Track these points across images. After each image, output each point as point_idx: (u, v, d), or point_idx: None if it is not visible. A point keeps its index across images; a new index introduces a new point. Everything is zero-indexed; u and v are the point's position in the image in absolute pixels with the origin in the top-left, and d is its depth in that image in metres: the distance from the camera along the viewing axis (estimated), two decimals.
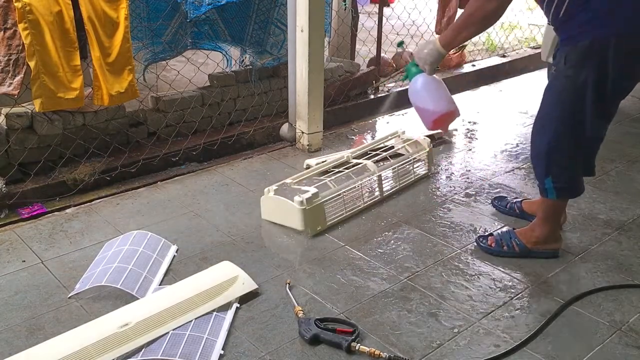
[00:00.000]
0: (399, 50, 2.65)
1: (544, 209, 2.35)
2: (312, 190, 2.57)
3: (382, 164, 3.01)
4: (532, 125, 2.29)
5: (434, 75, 2.38)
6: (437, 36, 2.29)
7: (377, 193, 2.86)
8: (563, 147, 2.17)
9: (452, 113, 2.39)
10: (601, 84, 2.00)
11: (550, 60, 2.43)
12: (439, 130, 3.30)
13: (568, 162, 2.21)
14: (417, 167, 3.09)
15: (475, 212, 2.77)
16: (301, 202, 2.50)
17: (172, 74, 3.55)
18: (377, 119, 4.09)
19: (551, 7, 2.02)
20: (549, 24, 2.13)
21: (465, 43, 5.12)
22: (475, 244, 2.46)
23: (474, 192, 2.97)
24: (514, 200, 2.74)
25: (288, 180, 2.73)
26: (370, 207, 2.80)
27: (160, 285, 2.19)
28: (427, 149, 3.12)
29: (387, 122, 4.02)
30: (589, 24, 1.94)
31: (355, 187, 2.77)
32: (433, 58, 2.27)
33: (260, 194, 2.67)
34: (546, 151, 2.19)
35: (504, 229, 2.47)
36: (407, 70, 2.41)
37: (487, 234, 2.47)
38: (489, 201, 2.85)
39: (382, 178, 2.88)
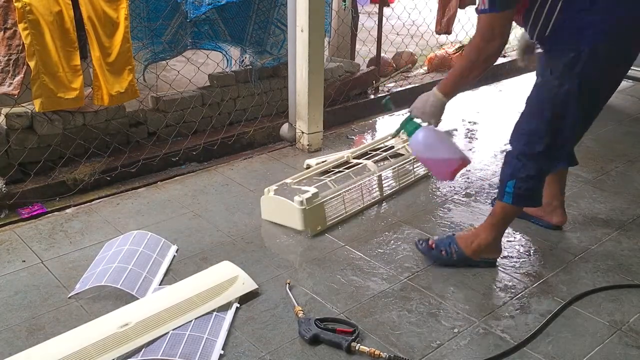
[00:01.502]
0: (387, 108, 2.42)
1: (495, 214, 2.28)
2: (312, 190, 2.57)
3: (382, 164, 3.01)
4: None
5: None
6: (434, 88, 2.14)
7: (377, 193, 2.86)
8: (536, 157, 2.14)
9: (466, 161, 2.23)
10: (586, 92, 2.01)
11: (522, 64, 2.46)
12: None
13: (536, 172, 2.17)
14: (417, 167, 3.09)
15: (475, 212, 2.77)
16: (301, 202, 2.50)
17: (172, 74, 3.55)
18: (377, 118, 4.09)
19: (536, 28, 2.02)
20: (530, 39, 2.13)
21: (466, 43, 5.15)
22: (415, 245, 2.41)
23: (474, 192, 2.97)
24: None
25: (288, 180, 2.73)
26: (370, 207, 2.80)
27: (160, 285, 2.19)
28: None
29: (383, 121, 4.03)
30: (573, 37, 1.96)
31: (355, 187, 2.77)
32: (438, 110, 2.15)
33: (260, 194, 2.67)
34: (517, 155, 2.16)
35: (445, 236, 2.40)
36: (403, 127, 2.24)
37: (427, 238, 2.42)
38: (489, 201, 2.85)
39: (382, 178, 2.89)
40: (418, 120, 2.22)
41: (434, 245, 2.35)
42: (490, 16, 1.95)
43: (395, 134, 2.31)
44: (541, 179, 2.22)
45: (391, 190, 2.93)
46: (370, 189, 2.85)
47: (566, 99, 2.02)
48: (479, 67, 2.06)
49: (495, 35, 1.97)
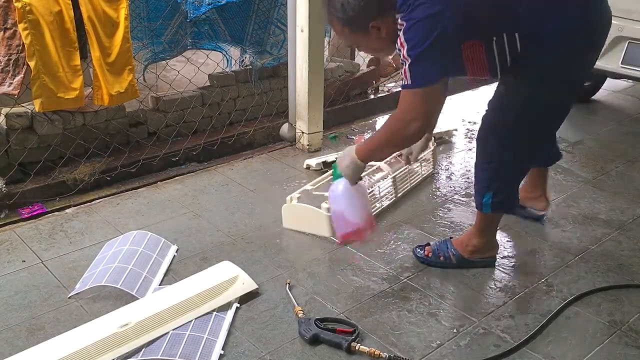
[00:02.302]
0: None
1: (480, 221, 2.28)
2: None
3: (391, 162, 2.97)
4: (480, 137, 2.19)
5: (359, 183, 2.14)
6: (354, 149, 2.01)
7: (392, 194, 2.83)
8: (513, 164, 2.12)
9: (367, 226, 2.12)
10: (558, 95, 1.98)
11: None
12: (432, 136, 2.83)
13: (512, 179, 2.18)
14: (424, 166, 3.08)
15: (475, 212, 2.76)
16: (328, 209, 2.45)
17: (172, 74, 3.55)
18: (377, 118, 4.09)
19: (497, 68, 1.92)
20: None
21: None
22: (413, 253, 2.40)
23: (473, 192, 2.96)
24: None
25: (309, 187, 2.68)
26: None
27: (160, 285, 2.19)
28: (432, 148, 3.11)
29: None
30: (540, 54, 1.87)
31: (373, 189, 2.74)
32: (354, 172, 2.04)
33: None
34: (494, 167, 2.12)
35: (441, 239, 2.40)
36: (334, 170, 2.15)
37: (424, 243, 2.40)
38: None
39: (397, 179, 2.86)
40: None
41: (430, 254, 2.34)
42: (413, 93, 1.79)
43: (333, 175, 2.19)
44: (516, 184, 2.22)
45: (404, 191, 2.90)
46: (386, 190, 2.82)
47: (543, 108, 1.98)
48: (397, 145, 1.98)
49: (417, 115, 1.80)
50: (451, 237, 2.39)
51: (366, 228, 2.12)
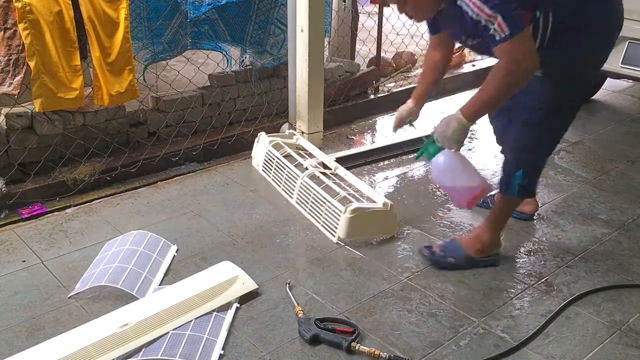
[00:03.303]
0: (408, 126, 2.38)
1: (497, 210, 2.33)
2: (377, 192, 2.62)
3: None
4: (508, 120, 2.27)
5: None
6: (457, 112, 2.02)
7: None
8: (544, 144, 2.20)
9: (487, 189, 2.18)
10: (584, 79, 2.12)
11: None
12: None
13: (541, 161, 2.26)
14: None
15: (475, 212, 2.77)
16: (385, 204, 2.49)
17: (172, 74, 3.55)
18: (377, 118, 4.09)
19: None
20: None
21: None
22: (420, 253, 2.40)
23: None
24: (488, 195, 2.75)
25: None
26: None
27: (160, 285, 2.19)
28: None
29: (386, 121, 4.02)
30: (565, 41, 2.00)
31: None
32: (461, 136, 2.03)
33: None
34: (527, 147, 2.18)
35: (448, 241, 2.41)
36: (425, 150, 2.15)
37: (429, 245, 2.40)
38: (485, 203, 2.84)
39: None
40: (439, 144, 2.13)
41: (439, 251, 2.35)
42: (513, 41, 1.85)
43: (418, 156, 2.22)
44: (542, 167, 2.28)
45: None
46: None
47: (573, 88, 2.08)
48: (510, 93, 1.99)
49: (526, 57, 1.89)
50: (455, 239, 2.41)
51: (486, 186, 2.17)
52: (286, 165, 2.88)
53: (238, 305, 2.08)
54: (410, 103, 2.44)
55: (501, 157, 3.36)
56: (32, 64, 2.50)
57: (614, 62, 3.59)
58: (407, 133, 3.30)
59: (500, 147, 2.50)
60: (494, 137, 2.56)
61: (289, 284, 2.19)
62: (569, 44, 2.00)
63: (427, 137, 2.16)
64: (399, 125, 2.45)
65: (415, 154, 2.23)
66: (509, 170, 2.26)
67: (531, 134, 2.17)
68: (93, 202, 2.84)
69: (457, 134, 2.02)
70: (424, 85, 2.46)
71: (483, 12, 1.83)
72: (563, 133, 2.23)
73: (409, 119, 2.41)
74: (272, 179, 2.99)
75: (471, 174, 2.15)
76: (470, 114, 2.00)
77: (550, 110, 2.10)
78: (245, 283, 2.16)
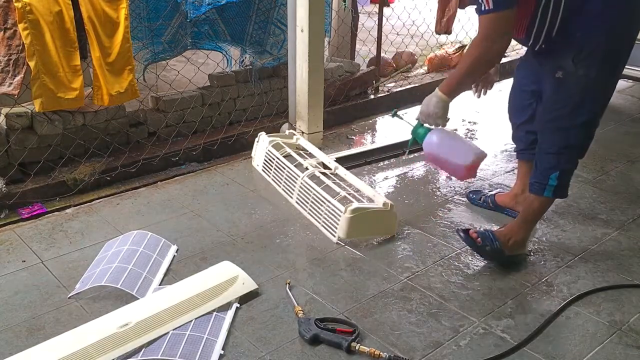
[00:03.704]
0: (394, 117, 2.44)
1: (531, 210, 2.31)
2: (377, 192, 2.62)
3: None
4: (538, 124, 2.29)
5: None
6: (437, 89, 2.14)
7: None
8: (580, 144, 2.20)
9: (482, 154, 2.25)
10: (608, 76, 2.10)
11: None
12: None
13: (577, 161, 2.26)
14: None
15: (475, 212, 2.77)
16: (385, 204, 2.48)
17: (172, 74, 3.55)
18: (377, 119, 4.09)
19: (542, 31, 2.06)
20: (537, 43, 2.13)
21: (466, 43, 5.15)
22: (458, 234, 2.41)
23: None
24: (488, 194, 2.78)
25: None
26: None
27: (160, 285, 2.19)
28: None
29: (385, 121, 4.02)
30: (589, 30, 2.00)
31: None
32: (442, 110, 2.15)
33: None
34: (565, 146, 2.18)
35: (486, 229, 2.40)
36: (414, 134, 2.26)
37: (466, 228, 2.41)
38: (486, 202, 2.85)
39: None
40: (427, 126, 2.23)
41: (478, 238, 2.32)
42: (495, 16, 1.96)
43: (410, 144, 2.29)
44: (574, 168, 2.28)
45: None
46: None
47: (595, 83, 2.07)
48: (481, 68, 2.08)
49: (500, 34, 1.99)
50: (491, 230, 2.39)
51: (480, 157, 2.21)
52: (286, 165, 2.89)
53: (238, 305, 2.08)
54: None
55: (501, 158, 3.39)
56: (32, 64, 2.50)
57: None
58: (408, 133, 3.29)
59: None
60: (514, 146, 2.62)
61: (289, 284, 2.19)
62: (585, 30, 1.99)
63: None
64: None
65: (407, 146, 2.30)
66: (545, 174, 2.24)
67: (567, 136, 2.17)
68: (93, 202, 2.84)
69: (438, 107, 2.13)
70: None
71: None
72: (594, 130, 2.21)
73: (393, 110, 2.47)
74: (272, 179, 2.99)
75: (464, 144, 2.23)
76: (448, 89, 2.12)
77: (581, 110, 2.10)
78: (245, 283, 2.16)
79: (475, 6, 2.07)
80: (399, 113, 2.43)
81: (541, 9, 2.01)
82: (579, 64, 2.04)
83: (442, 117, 2.16)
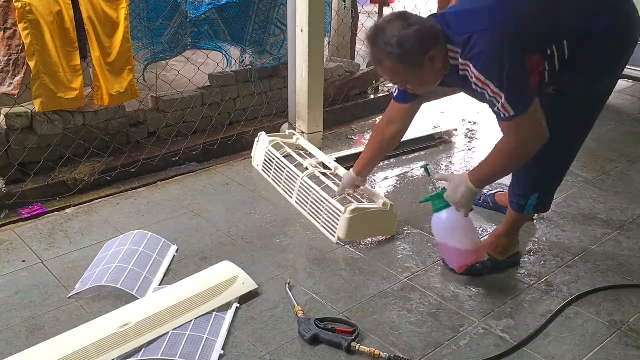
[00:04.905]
0: (423, 172, 2.36)
1: (513, 222, 2.28)
2: (377, 192, 2.63)
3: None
4: None
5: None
6: (467, 177, 2.00)
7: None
8: (564, 164, 2.18)
9: (480, 256, 2.20)
10: (599, 94, 2.05)
11: None
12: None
13: (559, 181, 2.24)
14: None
15: (475, 211, 2.76)
16: (385, 204, 2.48)
17: (172, 74, 3.55)
18: (377, 119, 4.08)
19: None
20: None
21: None
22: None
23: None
24: (488, 193, 2.77)
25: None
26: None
27: (160, 285, 2.19)
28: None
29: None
30: (590, 53, 1.91)
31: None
32: (469, 201, 2.04)
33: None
34: (544, 169, 2.13)
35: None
36: (432, 200, 2.15)
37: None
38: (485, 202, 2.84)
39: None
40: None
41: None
42: (521, 119, 1.80)
43: (423, 201, 2.21)
44: (558, 184, 2.26)
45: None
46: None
47: (592, 104, 2.06)
48: (517, 167, 2.00)
49: (534, 135, 1.84)
50: None
51: (481, 254, 2.19)
52: (286, 165, 2.89)
53: (238, 305, 2.08)
54: (352, 173, 2.52)
55: None
56: (32, 64, 2.50)
57: None
58: (408, 133, 3.29)
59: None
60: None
61: (288, 284, 2.19)
62: (583, 61, 1.91)
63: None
64: (341, 193, 2.60)
65: (421, 199, 2.21)
66: (523, 194, 2.20)
67: (552, 158, 2.09)
68: (93, 202, 2.84)
69: (465, 198, 2.02)
70: (367, 160, 2.48)
71: (488, 87, 1.78)
72: (579, 148, 2.18)
73: (424, 164, 2.40)
74: (272, 179, 2.99)
75: (468, 239, 2.14)
76: (479, 182, 1.99)
77: (574, 114, 2.04)
78: (245, 283, 2.16)
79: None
80: (429, 168, 2.31)
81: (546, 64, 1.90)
82: (572, 85, 1.98)
83: (466, 206, 2.06)
